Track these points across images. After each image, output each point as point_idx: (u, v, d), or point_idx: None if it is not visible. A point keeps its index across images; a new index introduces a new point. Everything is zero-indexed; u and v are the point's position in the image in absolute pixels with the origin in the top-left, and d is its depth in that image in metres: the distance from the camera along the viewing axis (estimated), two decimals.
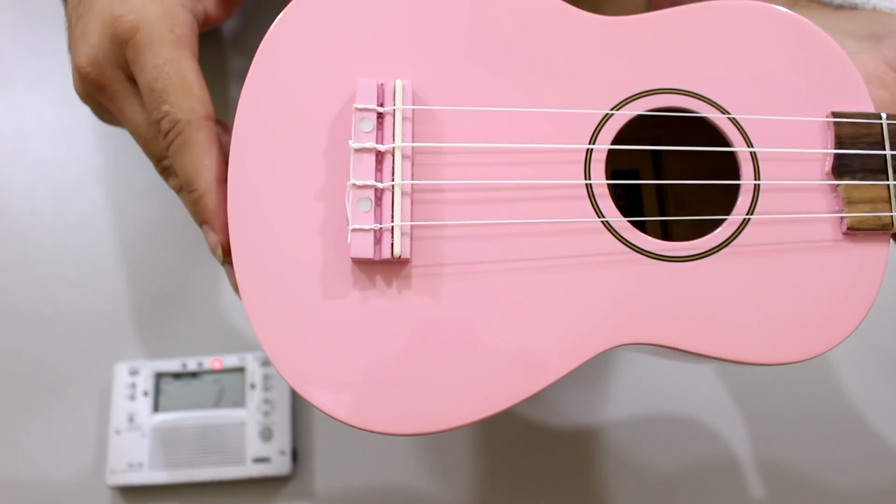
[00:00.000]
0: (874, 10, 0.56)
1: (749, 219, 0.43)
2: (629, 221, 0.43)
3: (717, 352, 0.42)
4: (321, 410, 0.40)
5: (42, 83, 0.70)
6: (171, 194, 0.50)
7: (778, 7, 0.46)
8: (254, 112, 0.43)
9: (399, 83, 0.42)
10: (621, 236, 0.43)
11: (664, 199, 0.55)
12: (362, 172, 0.41)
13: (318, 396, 0.40)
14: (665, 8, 0.46)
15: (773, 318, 0.43)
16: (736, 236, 0.43)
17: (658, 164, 0.56)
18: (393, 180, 0.41)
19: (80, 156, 0.69)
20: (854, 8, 0.56)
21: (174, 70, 0.45)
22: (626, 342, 0.42)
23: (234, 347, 0.64)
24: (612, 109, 0.44)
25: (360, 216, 0.41)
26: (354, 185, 0.41)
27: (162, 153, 0.46)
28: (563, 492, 0.61)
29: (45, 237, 0.67)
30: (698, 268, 0.43)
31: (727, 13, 0.46)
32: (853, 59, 0.48)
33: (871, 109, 0.45)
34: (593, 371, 0.64)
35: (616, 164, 0.55)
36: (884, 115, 0.45)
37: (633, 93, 0.44)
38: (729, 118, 0.44)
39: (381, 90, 0.43)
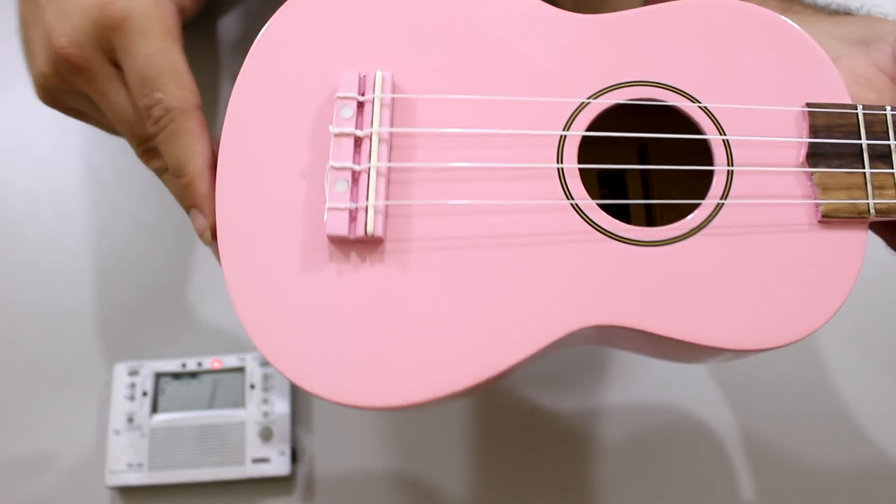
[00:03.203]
0: (868, 15, 0.56)
1: (723, 203, 0.44)
2: (597, 204, 0.44)
3: (689, 335, 0.42)
4: (294, 383, 0.41)
5: None
6: (171, 193, 0.51)
7: (752, 4, 0.47)
8: (247, 102, 0.45)
9: (379, 74, 0.44)
10: (588, 217, 0.43)
11: (649, 193, 0.56)
12: (341, 155, 0.43)
13: (291, 369, 0.41)
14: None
15: (746, 302, 0.43)
16: (710, 220, 0.43)
17: (644, 162, 0.56)
18: (370, 163, 0.43)
19: (79, 155, 0.70)
20: (848, 14, 0.57)
21: (167, 60, 0.46)
22: (593, 323, 0.42)
23: (234, 347, 0.64)
24: (587, 99, 0.45)
25: (337, 196, 0.42)
26: (333, 167, 0.42)
27: (146, 136, 0.48)
28: (559, 482, 0.62)
29: (44, 236, 0.67)
30: (671, 252, 0.43)
31: (703, 10, 0.46)
32: (842, 61, 0.48)
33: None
34: (588, 363, 0.64)
35: (604, 162, 0.55)
36: (860, 106, 0.45)
37: (608, 84, 0.45)
38: (700, 107, 0.45)
39: (362, 81, 0.44)
